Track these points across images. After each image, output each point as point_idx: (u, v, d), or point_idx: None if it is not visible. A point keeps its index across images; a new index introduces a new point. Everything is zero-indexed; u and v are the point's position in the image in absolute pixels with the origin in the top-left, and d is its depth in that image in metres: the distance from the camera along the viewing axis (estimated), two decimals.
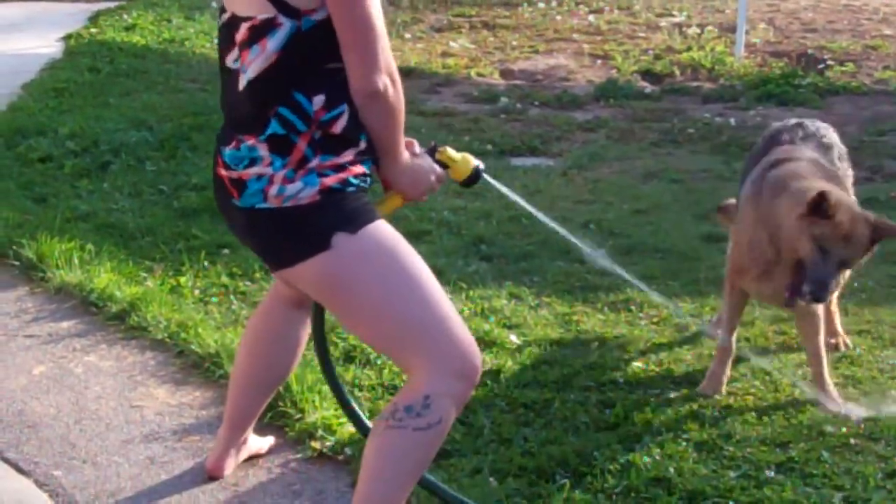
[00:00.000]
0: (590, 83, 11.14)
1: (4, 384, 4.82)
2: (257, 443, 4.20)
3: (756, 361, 4.83)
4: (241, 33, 3.26)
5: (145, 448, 4.31)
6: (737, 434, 4.29)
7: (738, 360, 4.86)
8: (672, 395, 4.63)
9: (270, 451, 4.24)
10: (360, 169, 3.31)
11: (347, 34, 3.19)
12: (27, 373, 4.94)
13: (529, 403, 4.53)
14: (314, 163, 3.24)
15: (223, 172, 3.36)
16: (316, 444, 4.23)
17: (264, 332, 3.92)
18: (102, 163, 7.98)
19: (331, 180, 3.25)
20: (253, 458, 4.17)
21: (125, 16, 14.12)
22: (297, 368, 4.13)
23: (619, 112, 10.09)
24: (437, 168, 3.57)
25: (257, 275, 5.80)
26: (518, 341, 5.13)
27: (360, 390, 4.61)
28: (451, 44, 12.87)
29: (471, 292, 5.72)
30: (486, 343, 5.07)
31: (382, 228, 3.34)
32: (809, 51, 12.17)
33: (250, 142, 3.28)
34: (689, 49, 12.30)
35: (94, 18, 14.09)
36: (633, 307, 5.61)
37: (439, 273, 5.63)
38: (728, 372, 4.72)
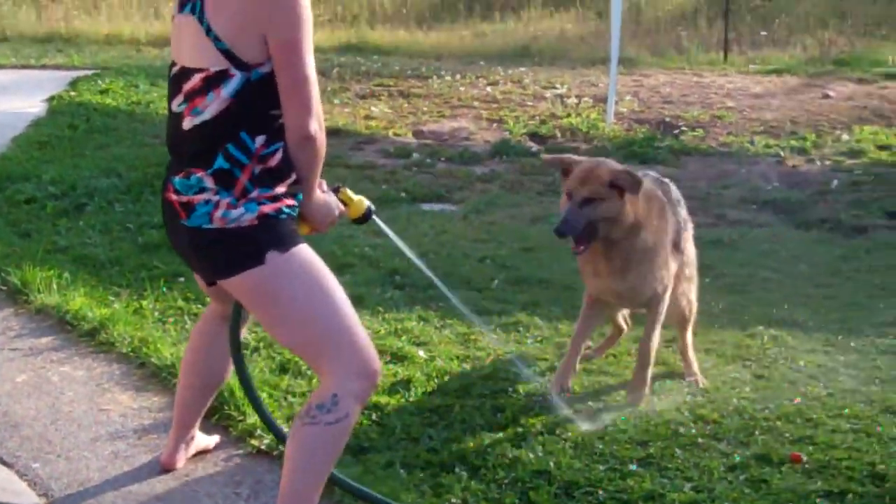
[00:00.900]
0: (487, 143, 11.17)
1: None
2: (205, 440, 4.16)
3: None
4: (193, 82, 3.26)
5: (111, 445, 4.27)
6: (606, 434, 4.31)
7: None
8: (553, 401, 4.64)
9: (216, 448, 4.20)
10: (291, 201, 3.32)
11: (287, 84, 3.20)
12: (11, 380, 4.87)
13: (434, 408, 4.52)
14: (254, 194, 3.25)
15: (173, 197, 3.36)
16: (255, 442, 4.21)
17: (200, 344, 3.91)
18: (78, 204, 7.88)
19: (267, 208, 3.26)
20: (201, 454, 4.14)
21: (100, 81, 13.93)
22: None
23: (510, 167, 10.12)
24: (341, 205, 3.56)
25: (208, 300, 5.70)
26: (425, 356, 5.12)
27: (294, 396, 4.58)
28: (373, 108, 12.85)
29: (387, 315, 5.71)
30: (398, 357, 5.07)
31: (307, 251, 3.35)
32: (667, 119, 12.28)
33: (199, 174, 3.28)
34: (568, 115, 12.35)
35: (73, 83, 13.88)
36: (521, 328, 5.62)
37: (360, 299, 5.66)
38: (575, 370, 4.80)
